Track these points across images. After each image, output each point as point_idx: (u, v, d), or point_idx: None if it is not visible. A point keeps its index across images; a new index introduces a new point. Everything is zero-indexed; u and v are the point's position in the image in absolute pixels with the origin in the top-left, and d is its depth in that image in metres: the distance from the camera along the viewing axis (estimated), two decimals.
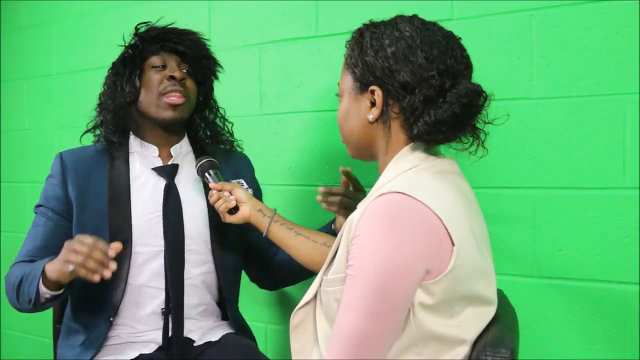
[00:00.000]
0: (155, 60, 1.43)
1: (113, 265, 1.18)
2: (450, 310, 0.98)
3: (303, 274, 1.47)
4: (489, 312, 1.05)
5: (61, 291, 1.29)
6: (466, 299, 0.99)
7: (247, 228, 1.43)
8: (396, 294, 0.94)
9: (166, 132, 1.48)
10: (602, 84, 1.45)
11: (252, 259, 1.60)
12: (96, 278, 1.17)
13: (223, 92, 1.99)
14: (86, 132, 1.51)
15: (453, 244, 0.95)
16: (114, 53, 1.50)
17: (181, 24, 1.54)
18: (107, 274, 1.17)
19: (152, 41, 1.43)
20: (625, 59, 1.43)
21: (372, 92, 1.05)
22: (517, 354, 1.00)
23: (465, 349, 1.00)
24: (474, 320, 1.01)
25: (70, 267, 1.17)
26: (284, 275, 1.58)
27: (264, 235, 1.35)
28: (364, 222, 0.96)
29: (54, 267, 1.22)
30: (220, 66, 1.55)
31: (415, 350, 0.98)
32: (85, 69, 2.36)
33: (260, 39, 1.94)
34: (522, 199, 1.55)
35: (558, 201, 1.51)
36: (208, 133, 1.56)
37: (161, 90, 1.40)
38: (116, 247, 1.19)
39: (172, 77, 1.40)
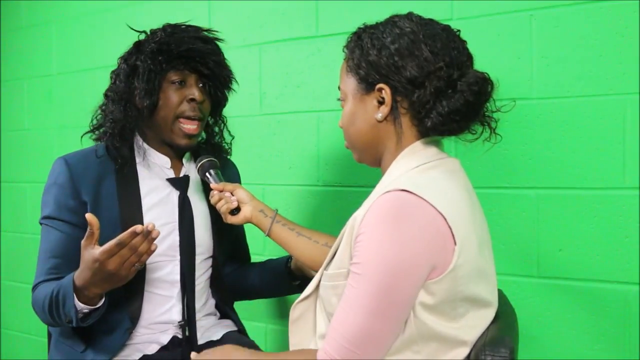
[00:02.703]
0: (174, 76, 1.36)
1: (153, 247, 1.19)
2: (454, 312, 0.98)
3: (248, 295, 1.63)
4: (489, 314, 1.05)
5: (100, 303, 1.24)
6: (467, 301, 0.99)
7: (238, 230, 1.45)
8: (401, 293, 0.94)
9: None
10: (602, 84, 1.45)
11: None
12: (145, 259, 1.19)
13: None
14: (87, 132, 1.44)
15: (455, 244, 0.95)
16: (114, 53, 1.48)
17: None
18: (152, 248, 1.19)
19: (175, 57, 1.35)
20: (625, 59, 1.43)
21: (380, 90, 1.04)
22: (517, 354, 1.00)
23: (465, 350, 1.00)
24: (475, 322, 1.01)
25: (137, 267, 1.18)
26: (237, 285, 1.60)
27: (265, 235, 1.35)
28: (369, 219, 0.96)
29: (100, 279, 1.17)
30: (236, 81, 1.50)
31: (414, 349, 0.98)
32: (85, 69, 2.36)
33: (260, 39, 1.94)
34: (522, 199, 1.55)
35: (558, 201, 1.51)
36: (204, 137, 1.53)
37: (179, 112, 1.35)
38: (151, 227, 1.17)
39: (192, 100, 1.36)
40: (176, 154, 1.45)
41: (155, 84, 1.34)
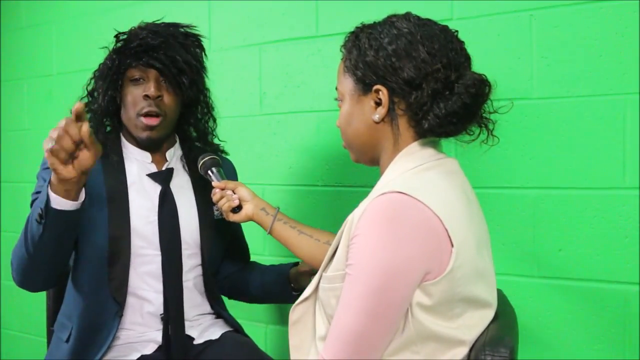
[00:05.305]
0: (134, 72, 1.38)
1: (85, 127, 1.07)
2: (450, 312, 0.98)
3: (247, 298, 1.61)
4: (488, 314, 1.05)
5: (78, 201, 1.17)
6: (465, 301, 0.99)
7: (235, 229, 1.45)
8: (394, 294, 0.94)
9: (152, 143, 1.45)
10: (602, 84, 1.45)
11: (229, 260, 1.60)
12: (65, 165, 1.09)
13: (223, 92, 2.00)
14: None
15: (452, 245, 0.95)
16: None
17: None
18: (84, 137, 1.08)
19: (130, 55, 1.37)
20: (625, 59, 1.43)
21: (377, 91, 1.04)
22: (517, 354, 1.00)
23: (464, 350, 1.00)
24: (472, 322, 1.01)
25: (49, 145, 1.07)
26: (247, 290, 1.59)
27: (267, 233, 1.35)
28: (364, 221, 0.96)
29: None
30: (205, 71, 1.49)
31: (413, 349, 0.98)
32: (85, 69, 2.33)
33: (260, 39, 1.94)
34: (522, 199, 1.55)
35: (558, 201, 1.51)
36: (194, 134, 1.53)
37: (138, 110, 1.37)
38: (76, 107, 1.07)
39: (146, 96, 1.36)
40: (157, 148, 1.46)
41: (115, 82, 1.38)
